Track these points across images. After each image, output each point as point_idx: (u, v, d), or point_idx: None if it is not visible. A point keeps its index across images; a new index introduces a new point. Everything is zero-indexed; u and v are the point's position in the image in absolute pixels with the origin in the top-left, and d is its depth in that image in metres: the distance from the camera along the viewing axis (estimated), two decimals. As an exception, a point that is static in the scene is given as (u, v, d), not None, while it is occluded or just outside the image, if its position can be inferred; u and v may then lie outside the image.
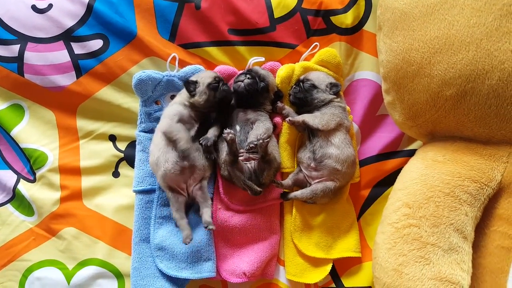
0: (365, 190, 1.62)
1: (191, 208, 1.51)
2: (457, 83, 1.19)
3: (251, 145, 1.33)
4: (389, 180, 1.59)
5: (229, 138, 1.36)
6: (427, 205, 1.23)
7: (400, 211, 1.24)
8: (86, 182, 1.60)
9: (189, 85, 1.46)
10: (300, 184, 1.53)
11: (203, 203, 1.45)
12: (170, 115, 1.44)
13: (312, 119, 1.46)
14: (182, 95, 1.50)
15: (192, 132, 1.46)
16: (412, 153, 1.55)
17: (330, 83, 1.53)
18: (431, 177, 1.28)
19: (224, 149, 1.44)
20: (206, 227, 1.38)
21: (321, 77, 1.54)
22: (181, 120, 1.44)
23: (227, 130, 1.35)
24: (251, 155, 1.44)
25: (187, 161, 1.43)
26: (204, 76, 1.47)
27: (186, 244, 1.40)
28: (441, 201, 1.24)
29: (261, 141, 1.34)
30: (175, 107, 1.47)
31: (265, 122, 1.47)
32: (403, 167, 1.53)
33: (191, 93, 1.45)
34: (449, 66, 1.20)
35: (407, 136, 1.62)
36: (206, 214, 1.42)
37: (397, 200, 1.27)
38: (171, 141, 1.41)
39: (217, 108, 1.48)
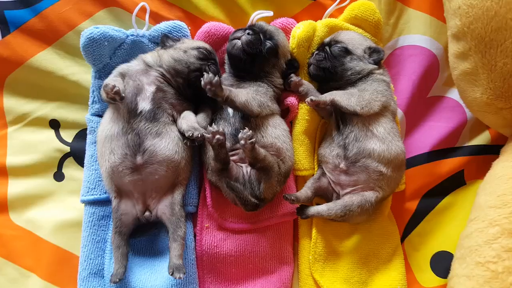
0: (412, 201, 1.42)
1: (152, 229, 1.28)
2: None
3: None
4: (445, 187, 1.42)
5: (215, 142, 1.08)
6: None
7: (498, 243, 0.97)
8: (15, 187, 1.38)
9: (168, 40, 1.27)
10: (322, 193, 1.32)
11: (173, 232, 1.17)
12: (112, 72, 1.22)
13: (347, 98, 1.22)
14: (151, 53, 1.29)
15: (146, 104, 1.17)
16: (477, 151, 1.42)
17: (369, 47, 1.31)
18: (547, 188, 0.98)
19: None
20: (171, 273, 1.11)
21: (356, 39, 1.31)
22: (125, 76, 1.21)
23: (212, 128, 1.09)
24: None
25: (141, 153, 1.15)
26: (194, 41, 1.29)
27: (111, 283, 1.14)
28: None
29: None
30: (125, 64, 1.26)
31: (260, 93, 1.23)
32: (462, 170, 1.39)
33: (165, 46, 1.26)
34: None
35: (469, 127, 1.43)
36: (174, 251, 1.14)
37: (489, 225, 1.01)
38: (112, 103, 1.15)
39: (186, 88, 1.25)
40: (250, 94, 1.20)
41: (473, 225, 1.06)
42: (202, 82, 1.11)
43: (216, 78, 1.10)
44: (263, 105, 1.21)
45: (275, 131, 1.24)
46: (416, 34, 1.42)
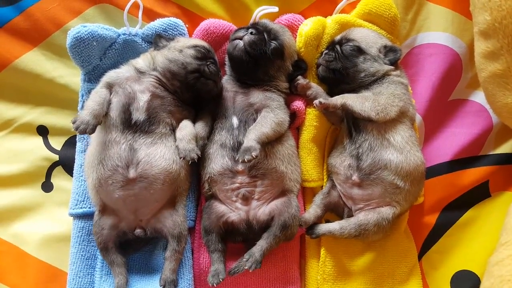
0: (431, 215, 1.37)
1: (147, 245, 1.24)
2: None
3: (246, 158, 1.05)
4: (467, 200, 1.37)
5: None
6: None
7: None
8: (0, 198, 1.35)
9: (161, 40, 1.21)
10: (333, 208, 1.26)
11: (173, 246, 1.13)
12: (100, 81, 1.17)
13: (360, 102, 1.15)
14: (143, 56, 1.23)
15: (140, 114, 1.11)
16: (504, 160, 1.36)
17: (385, 46, 1.24)
18: None
19: (212, 158, 1.17)
20: (162, 286, 1.12)
21: (370, 37, 1.25)
22: (113, 85, 1.14)
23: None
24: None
25: (134, 166, 1.08)
26: (190, 39, 1.25)
27: None
28: None
29: (254, 153, 1.05)
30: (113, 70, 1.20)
31: (277, 111, 1.18)
32: (487, 181, 1.34)
33: (158, 47, 1.21)
34: None
35: (495, 134, 1.37)
36: (170, 264, 1.13)
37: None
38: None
39: (184, 92, 1.19)
40: (273, 120, 1.13)
41: (505, 251, 0.95)
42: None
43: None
44: (284, 124, 1.17)
45: (281, 150, 1.17)
46: (436, 31, 1.36)
